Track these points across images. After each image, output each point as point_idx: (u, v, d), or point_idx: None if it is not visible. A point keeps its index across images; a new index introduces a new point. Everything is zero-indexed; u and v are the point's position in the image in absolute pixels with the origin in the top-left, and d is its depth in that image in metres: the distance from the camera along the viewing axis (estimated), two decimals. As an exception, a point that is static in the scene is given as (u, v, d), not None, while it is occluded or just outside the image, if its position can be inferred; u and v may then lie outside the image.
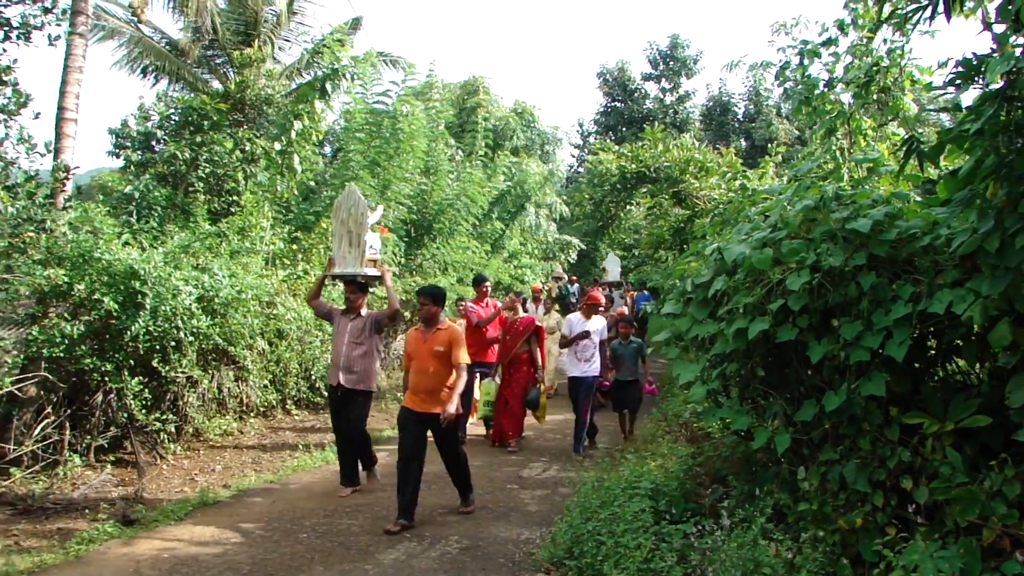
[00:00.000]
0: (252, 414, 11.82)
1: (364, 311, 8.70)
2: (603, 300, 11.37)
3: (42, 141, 11.75)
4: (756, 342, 5.42)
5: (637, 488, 6.55)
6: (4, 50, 11.29)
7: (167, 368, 9.79)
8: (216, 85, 21.06)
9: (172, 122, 15.74)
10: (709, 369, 6.10)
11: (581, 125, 45.58)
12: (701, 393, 6.22)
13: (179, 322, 9.70)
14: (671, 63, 42.51)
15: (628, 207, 22.16)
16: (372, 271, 8.80)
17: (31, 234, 9.72)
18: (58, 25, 11.84)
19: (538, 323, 11.51)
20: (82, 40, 13.99)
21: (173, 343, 9.80)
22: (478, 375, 11.39)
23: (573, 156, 43.79)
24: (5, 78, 11.26)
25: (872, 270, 5.12)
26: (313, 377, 12.89)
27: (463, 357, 7.45)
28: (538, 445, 11.37)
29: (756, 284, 5.49)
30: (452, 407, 7.27)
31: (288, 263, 13.74)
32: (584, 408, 10.69)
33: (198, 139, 14.58)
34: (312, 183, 16.94)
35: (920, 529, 4.70)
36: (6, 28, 11.28)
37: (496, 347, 11.51)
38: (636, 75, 43.54)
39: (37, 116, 11.91)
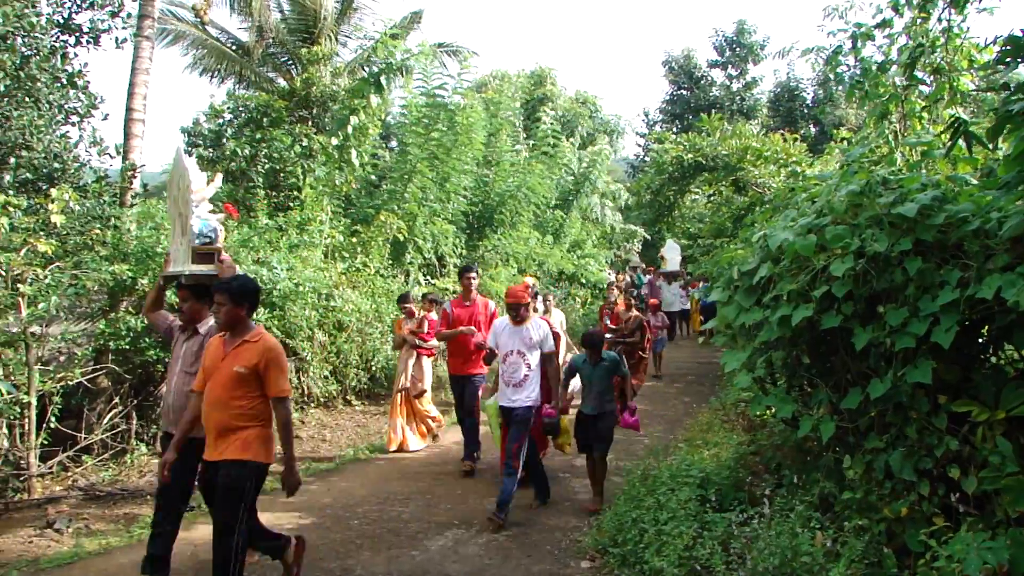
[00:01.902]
0: (313, 405, 12.03)
1: (205, 327, 6.06)
2: (528, 297, 7.90)
3: (111, 142, 12.21)
4: (801, 329, 5.35)
5: (686, 477, 6.52)
6: (76, 55, 11.74)
7: (229, 360, 10.01)
8: (281, 83, 21.47)
9: (236, 120, 16.12)
10: (755, 357, 6.04)
11: (647, 114, 45.24)
12: (746, 381, 6.16)
13: (240, 315, 9.91)
14: (737, 49, 41.89)
15: (689, 196, 21.98)
16: (204, 268, 6.20)
17: (98, 231, 10.05)
18: (125, 29, 12.26)
19: (556, 330, 8.75)
20: (148, 43, 14.39)
21: (234, 335, 10.01)
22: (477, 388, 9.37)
23: (639, 145, 43.50)
24: (77, 82, 11.70)
25: (919, 255, 5.01)
26: (374, 368, 13.06)
27: (280, 386, 5.18)
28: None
29: (801, 271, 5.41)
30: (291, 479, 5.31)
31: (347, 256, 13.95)
32: (513, 453, 7.38)
33: (258, 136, 14.88)
34: (372, 177, 17.14)
35: (967, 519, 4.60)
36: (77, 34, 11.72)
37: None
38: (702, 62, 43.06)
39: (106, 118, 12.37)
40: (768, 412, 7.33)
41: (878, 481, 5.05)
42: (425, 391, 10.61)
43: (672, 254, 25.69)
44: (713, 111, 25.99)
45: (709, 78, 42.96)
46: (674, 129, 38.16)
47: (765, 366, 6.09)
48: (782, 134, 18.46)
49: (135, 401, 9.54)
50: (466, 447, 9.27)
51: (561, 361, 12.63)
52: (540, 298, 11.91)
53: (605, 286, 22.99)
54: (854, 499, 5.05)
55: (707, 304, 19.78)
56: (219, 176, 7.15)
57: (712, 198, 20.36)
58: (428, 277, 16.42)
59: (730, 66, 42.69)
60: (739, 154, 16.85)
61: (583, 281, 21.96)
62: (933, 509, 4.78)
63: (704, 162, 17.56)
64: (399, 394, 10.43)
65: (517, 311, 7.65)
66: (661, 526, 5.71)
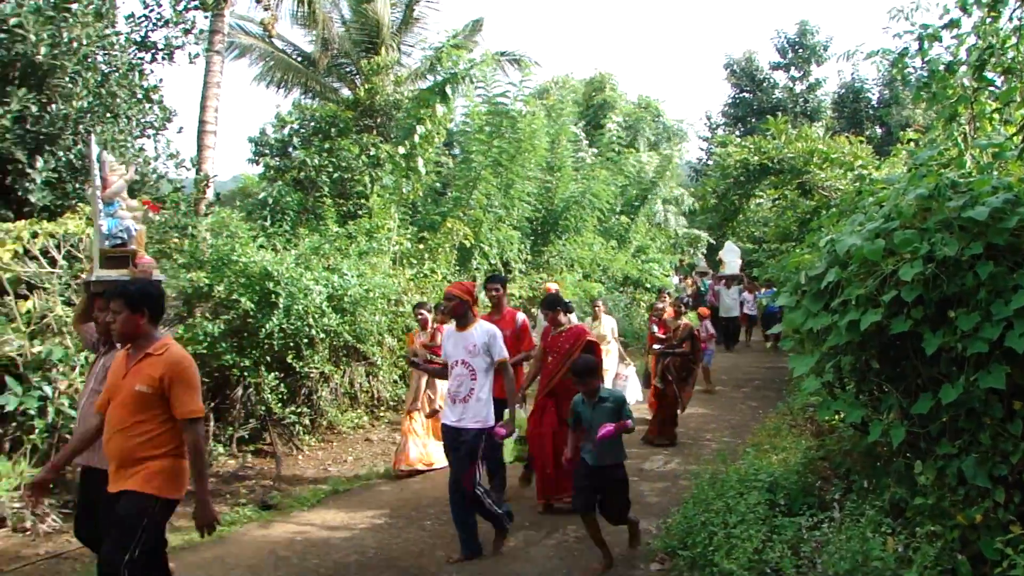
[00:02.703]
0: (382, 408, 12.24)
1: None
2: (468, 295, 6.54)
3: (186, 154, 12.66)
4: (870, 334, 5.34)
5: (754, 481, 6.54)
6: (151, 71, 12.18)
7: (301, 364, 10.30)
8: (345, 92, 21.87)
9: (304, 130, 16.50)
10: (823, 361, 6.04)
11: (709, 117, 44.88)
12: (814, 385, 6.16)
13: (311, 320, 10.20)
14: (800, 51, 41.33)
15: (754, 200, 21.79)
16: (113, 274, 5.65)
17: (176, 240, 10.41)
18: (197, 44, 12.68)
19: (590, 337, 7.92)
20: (219, 57, 14.90)
21: (306, 340, 10.29)
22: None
23: (701, 149, 43.19)
24: (153, 97, 12.14)
25: (991, 259, 4.97)
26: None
27: (188, 406, 4.45)
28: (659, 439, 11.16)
29: (869, 275, 5.41)
30: (203, 516, 4.59)
31: (415, 262, 14.16)
32: (465, 480, 6.29)
33: (326, 146, 15.21)
34: (438, 184, 17.37)
35: (1045, 527, 4.55)
36: (153, 51, 12.17)
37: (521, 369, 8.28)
38: (764, 64, 42.57)
39: (180, 131, 12.84)
40: (837, 417, 7.31)
41: (951, 487, 5.02)
42: (439, 410, 8.96)
43: (731, 257, 24.78)
44: (776, 113, 25.72)
45: (771, 80, 42.44)
46: (737, 132, 37.75)
47: (833, 371, 6.08)
48: (847, 136, 18.22)
49: (212, 404, 9.84)
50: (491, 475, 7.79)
51: (614, 375, 12.36)
52: (588, 305, 11.93)
53: (669, 292, 22.96)
54: (926, 505, 5.03)
55: (771, 310, 19.50)
56: (132, 168, 6.63)
57: (777, 202, 20.16)
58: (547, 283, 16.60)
59: (793, 68, 42.11)
60: (805, 157, 16.69)
61: (647, 286, 21.92)
62: (1009, 516, 4.73)
63: (769, 165, 17.44)
64: (408, 416, 9.45)
65: (461, 312, 6.48)
66: (730, 529, 5.75)
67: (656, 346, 11.42)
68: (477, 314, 6.57)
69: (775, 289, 21.67)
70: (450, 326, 6.73)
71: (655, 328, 12.00)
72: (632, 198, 22.61)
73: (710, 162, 34.43)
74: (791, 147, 16.97)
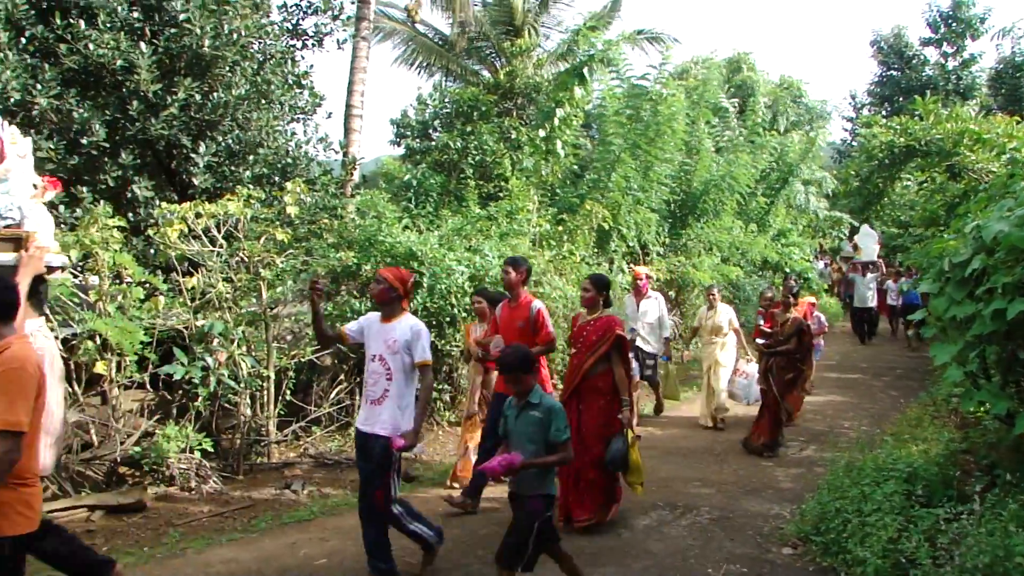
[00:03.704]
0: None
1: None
2: (396, 281, 5.63)
3: (334, 137, 13.18)
4: (1017, 323, 5.13)
5: (892, 471, 6.37)
6: (303, 57, 12.74)
7: (443, 342, 10.57)
8: (486, 75, 22.18)
9: (445, 113, 16.87)
10: (967, 351, 5.82)
11: (853, 97, 43.06)
12: (957, 375, 5.97)
13: (453, 299, 10.45)
14: (954, 25, 39.09)
15: (900, 183, 20.79)
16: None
17: (325, 221, 10.87)
18: (344, 31, 13.16)
19: (620, 331, 6.84)
20: (365, 43, 15.38)
21: (448, 319, 10.56)
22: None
23: (845, 130, 41.57)
24: (304, 82, 12.69)
25: None
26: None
27: (6, 417, 3.59)
28: (795, 426, 10.84)
29: (1017, 263, 5.18)
30: None
31: (554, 244, 14.29)
32: (375, 498, 5.45)
33: (468, 129, 15.50)
34: (576, 167, 17.43)
35: None
36: (304, 38, 12.72)
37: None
38: (914, 40, 40.46)
39: (329, 116, 13.36)
40: (981, 408, 7.02)
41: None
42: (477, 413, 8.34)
43: (867, 242, 22.74)
44: (925, 92, 24.48)
45: (921, 57, 40.27)
46: (883, 112, 36.09)
47: (978, 360, 5.87)
48: (1004, 115, 17.17)
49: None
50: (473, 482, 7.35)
51: (731, 369, 11.07)
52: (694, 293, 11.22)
53: (810, 276, 22.26)
54: (1076, 501, 4.81)
55: (911, 298, 18.46)
56: (27, 142, 5.86)
57: (924, 185, 19.21)
58: (632, 265, 16.55)
59: (945, 43, 39.82)
60: (955, 138, 15.81)
61: (787, 271, 21.39)
62: None
63: (916, 147, 16.64)
64: (468, 421, 8.46)
65: (378, 297, 5.69)
66: (865, 517, 5.65)
67: (759, 340, 10.21)
68: (407, 308, 5.74)
69: (916, 276, 20.68)
70: (374, 315, 5.81)
71: (761, 321, 10.71)
72: (773, 180, 22.06)
73: (854, 143, 33.06)
74: (939, 128, 16.13)
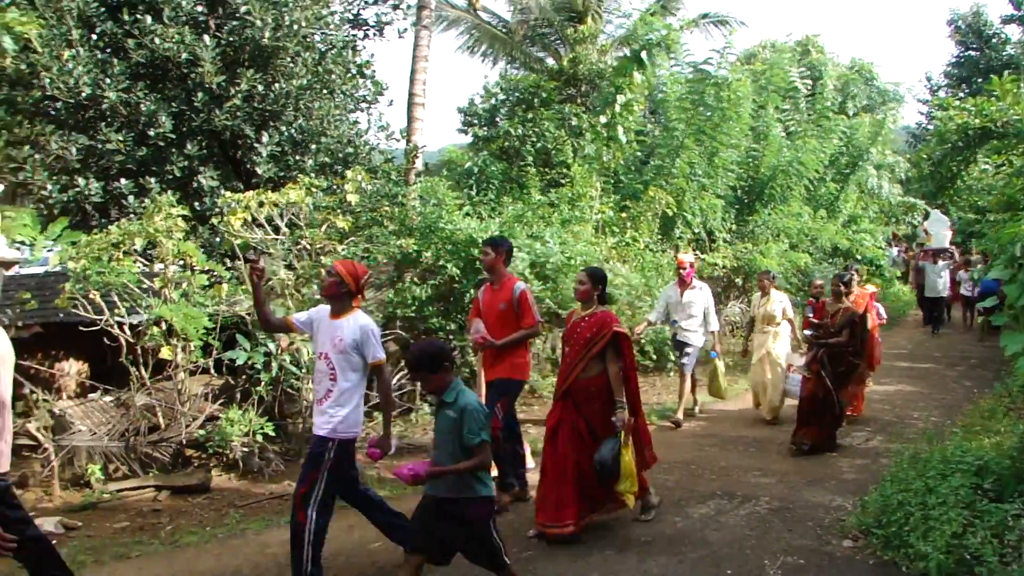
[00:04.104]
0: (584, 375, 12.35)
1: None
2: (348, 276, 5.23)
3: (396, 126, 13.27)
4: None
5: (960, 464, 6.13)
6: (364, 47, 12.85)
7: (504, 329, 10.56)
8: (550, 62, 22.09)
9: (508, 101, 16.87)
10: (1040, 339, 5.58)
11: (929, 79, 41.82)
12: (1030, 366, 5.71)
13: (513, 286, 10.42)
14: (1039, 0, 37.70)
15: (976, 166, 20.01)
16: None
17: (387, 208, 10.94)
18: (405, 20, 13.24)
19: (618, 328, 6.08)
20: (427, 32, 15.42)
21: (508, 306, 10.54)
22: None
23: (920, 113, 40.38)
24: (365, 72, 12.80)
25: None
26: (642, 341, 13.17)
27: None
28: (862, 415, 10.38)
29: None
30: None
31: (617, 231, 14.19)
32: (298, 495, 5.07)
33: (529, 116, 15.47)
34: (640, 153, 17.26)
35: None
36: (365, 28, 12.82)
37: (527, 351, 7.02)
38: (994, 18, 39.05)
39: (391, 104, 13.48)
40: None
41: None
42: None
43: (938, 228, 21.80)
44: (1006, 72, 23.56)
45: (1002, 35, 38.85)
46: (960, 94, 34.89)
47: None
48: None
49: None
50: (504, 474, 6.85)
51: (784, 363, 9.99)
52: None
53: (882, 263, 21.65)
54: None
55: (988, 286, 17.62)
56: None
57: (1001, 168, 18.46)
58: (697, 251, 16.34)
59: (1028, 20, 38.41)
60: (1033, 119, 15.21)
61: (858, 257, 20.85)
62: None
63: (992, 128, 16.01)
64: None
65: (327, 291, 5.33)
66: (928, 511, 5.45)
67: (807, 331, 9.34)
68: (358, 305, 5.34)
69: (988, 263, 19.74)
70: (325, 308, 5.39)
71: (810, 312, 9.84)
72: (842, 165, 21.51)
73: (929, 127, 32.03)
74: (1018, 108, 15.50)
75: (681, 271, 10.15)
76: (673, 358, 11.76)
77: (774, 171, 18.48)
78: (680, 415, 10.01)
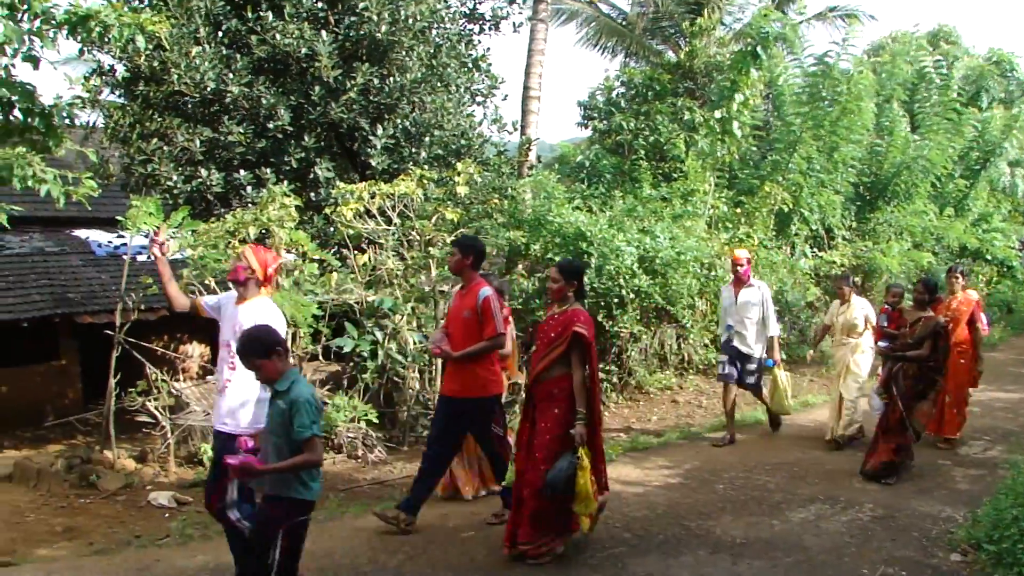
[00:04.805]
0: (691, 371, 12.20)
1: None
2: (259, 261, 4.97)
3: (509, 119, 13.35)
4: None
5: (1089, 475, 5.78)
6: (479, 41, 12.98)
7: (611, 324, 10.52)
8: (670, 55, 21.79)
9: (626, 95, 16.76)
10: None
11: (1081, 68, 39.28)
12: None
13: (621, 280, 10.38)
14: None
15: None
16: None
17: (496, 201, 11.03)
18: (521, 14, 13.29)
19: (577, 328, 5.34)
20: (543, 25, 15.45)
21: (616, 300, 10.49)
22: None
23: (1068, 106, 37.97)
24: (481, 65, 12.92)
25: None
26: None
27: None
28: (983, 424, 9.80)
29: None
30: None
31: (731, 226, 13.92)
32: (212, 503, 4.96)
33: (643, 109, 15.33)
34: (755, 148, 16.86)
35: None
36: (480, 22, 12.94)
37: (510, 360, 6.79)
38: None
39: (505, 98, 13.52)
40: None
41: None
42: None
43: None
44: None
45: None
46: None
47: None
48: None
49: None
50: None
51: (867, 375, 8.91)
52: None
53: (1014, 264, 20.51)
54: None
55: None
56: None
57: None
58: (815, 249, 15.86)
59: None
60: None
61: (988, 258, 19.80)
62: None
63: None
64: None
65: (231, 278, 5.05)
66: (1046, 527, 5.13)
67: (881, 343, 8.22)
68: (267, 293, 5.06)
69: None
70: (233, 294, 5.05)
71: (884, 321, 8.49)
72: (972, 161, 20.41)
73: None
74: None
75: (738, 268, 8.93)
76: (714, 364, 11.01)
77: (899, 167, 17.73)
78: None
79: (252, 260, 4.92)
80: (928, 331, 7.60)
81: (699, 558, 5.57)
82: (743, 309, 8.77)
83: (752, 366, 8.80)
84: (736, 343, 8.81)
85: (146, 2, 10.64)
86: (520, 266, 10.89)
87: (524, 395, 5.74)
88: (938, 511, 6.58)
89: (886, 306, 8.55)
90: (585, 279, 9.00)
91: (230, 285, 5.10)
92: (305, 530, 4.26)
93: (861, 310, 8.95)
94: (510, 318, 7.10)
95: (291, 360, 5.58)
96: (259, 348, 4.05)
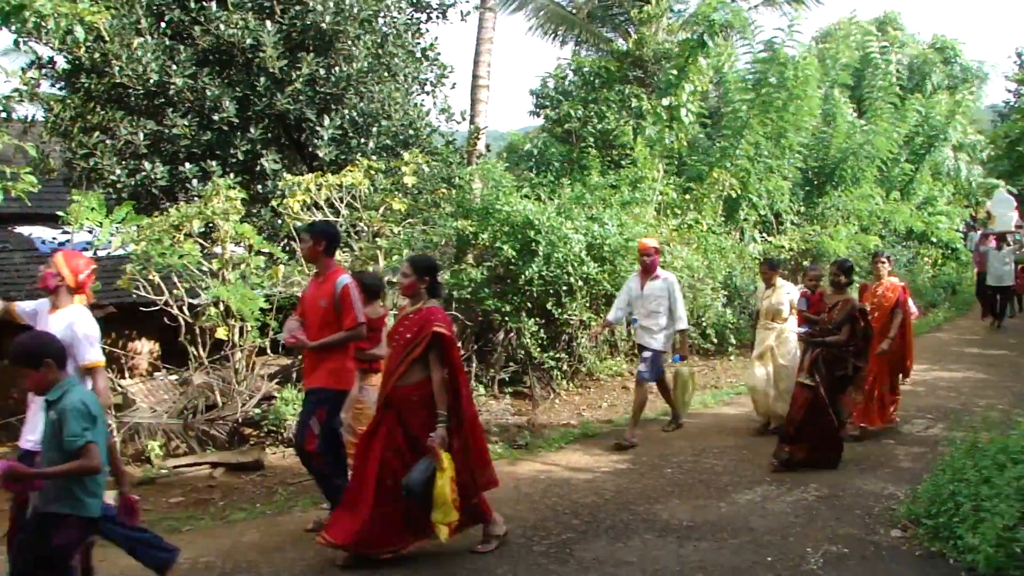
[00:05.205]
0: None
1: None
2: (65, 264, 4.76)
3: (458, 109, 13.33)
4: None
5: (1019, 454, 5.92)
6: (427, 30, 12.93)
7: (560, 311, 10.58)
8: (620, 43, 21.87)
9: (575, 83, 16.81)
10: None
11: (1020, 55, 40.04)
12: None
13: (569, 268, 10.42)
14: None
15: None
16: None
17: (443, 191, 11.03)
18: (467, 2, 13.26)
19: (437, 328, 5.21)
20: (491, 14, 15.39)
21: (565, 288, 10.55)
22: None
23: (1008, 91, 38.71)
24: (429, 55, 12.88)
25: None
26: (704, 324, 13.02)
27: None
28: (926, 402, 10.09)
29: None
30: None
31: (679, 212, 14.04)
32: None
33: (591, 97, 15.39)
34: (703, 135, 17.02)
35: None
36: (427, 11, 12.89)
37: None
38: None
39: (454, 86, 13.47)
40: None
41: None
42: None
43: (1002, 209, 19.58)
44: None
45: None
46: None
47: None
48: None
49: (475, 346, 10.38)
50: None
51: (792, 365, 8.23)
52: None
53: (958, 247, 20.98)
54: None
55: None
56: None
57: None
58: (764, 234, 16.06)
59: None
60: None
61: (933, 240, 20.25)
62: None
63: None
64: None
65: (41, 286, 4.80)
66: (981, 501, 5.28)
67: (800, 329, 7.94)
68: (82, 301, 4.81)
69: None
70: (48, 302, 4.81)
71: (804, 305, 7.93)
72: (917, 146, 20.83)
73: (1016, 105, 30.73)
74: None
75: (645, 258, 8.51)
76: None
77: (844, 153, 18.04)
78: (630, 434, 8.30)
79: (63, 267, 4.69)
80: (846, 315, 7.44)
81: (646, 542, 5.66)
82: (647, 302, 8.49)
83: (647, 354, 8.47)
84: (637, 337, 8.75)
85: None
86: (469, 256, 10.89)
87: (381, 400, 5.44)
88: (881, 489, 6.75)
89: (805, 290, 8.17)
90: (533, 265, 9.08)
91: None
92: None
93: (787, 295, 8.62)
94: (387, 319, 6.80)
95: (236, 355, 5.52)
96: (28, 358, 3.80)
